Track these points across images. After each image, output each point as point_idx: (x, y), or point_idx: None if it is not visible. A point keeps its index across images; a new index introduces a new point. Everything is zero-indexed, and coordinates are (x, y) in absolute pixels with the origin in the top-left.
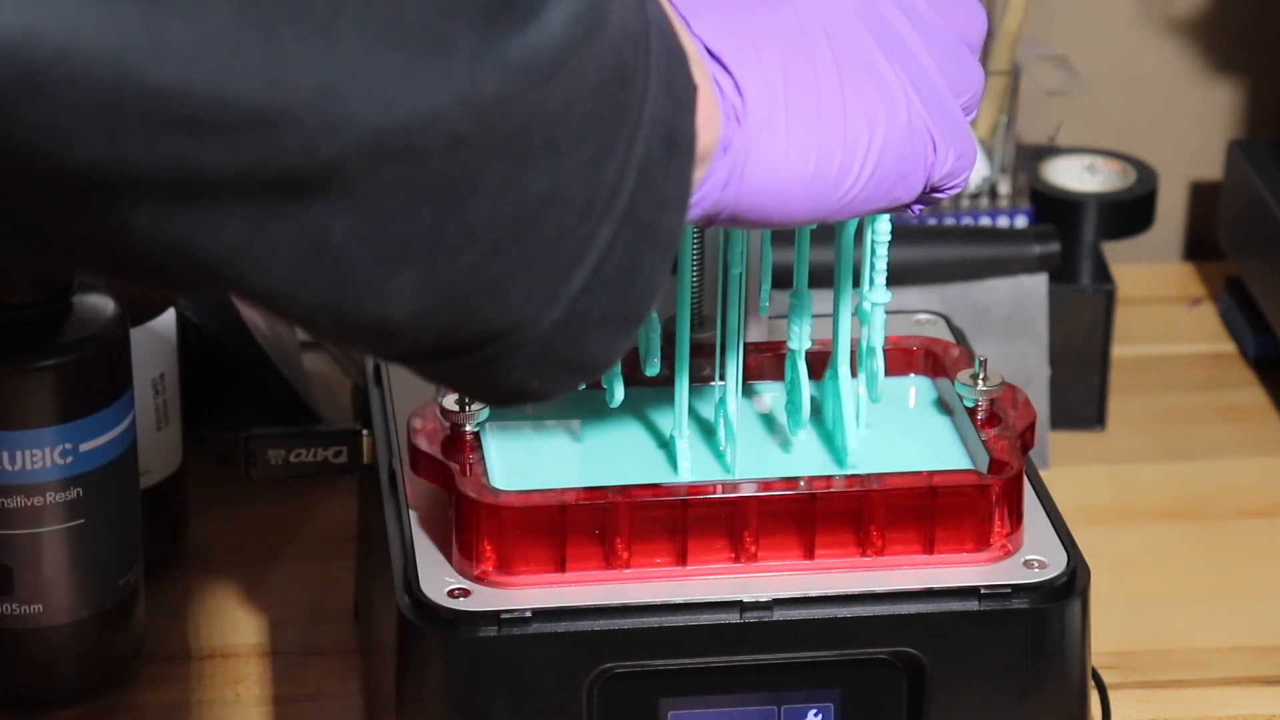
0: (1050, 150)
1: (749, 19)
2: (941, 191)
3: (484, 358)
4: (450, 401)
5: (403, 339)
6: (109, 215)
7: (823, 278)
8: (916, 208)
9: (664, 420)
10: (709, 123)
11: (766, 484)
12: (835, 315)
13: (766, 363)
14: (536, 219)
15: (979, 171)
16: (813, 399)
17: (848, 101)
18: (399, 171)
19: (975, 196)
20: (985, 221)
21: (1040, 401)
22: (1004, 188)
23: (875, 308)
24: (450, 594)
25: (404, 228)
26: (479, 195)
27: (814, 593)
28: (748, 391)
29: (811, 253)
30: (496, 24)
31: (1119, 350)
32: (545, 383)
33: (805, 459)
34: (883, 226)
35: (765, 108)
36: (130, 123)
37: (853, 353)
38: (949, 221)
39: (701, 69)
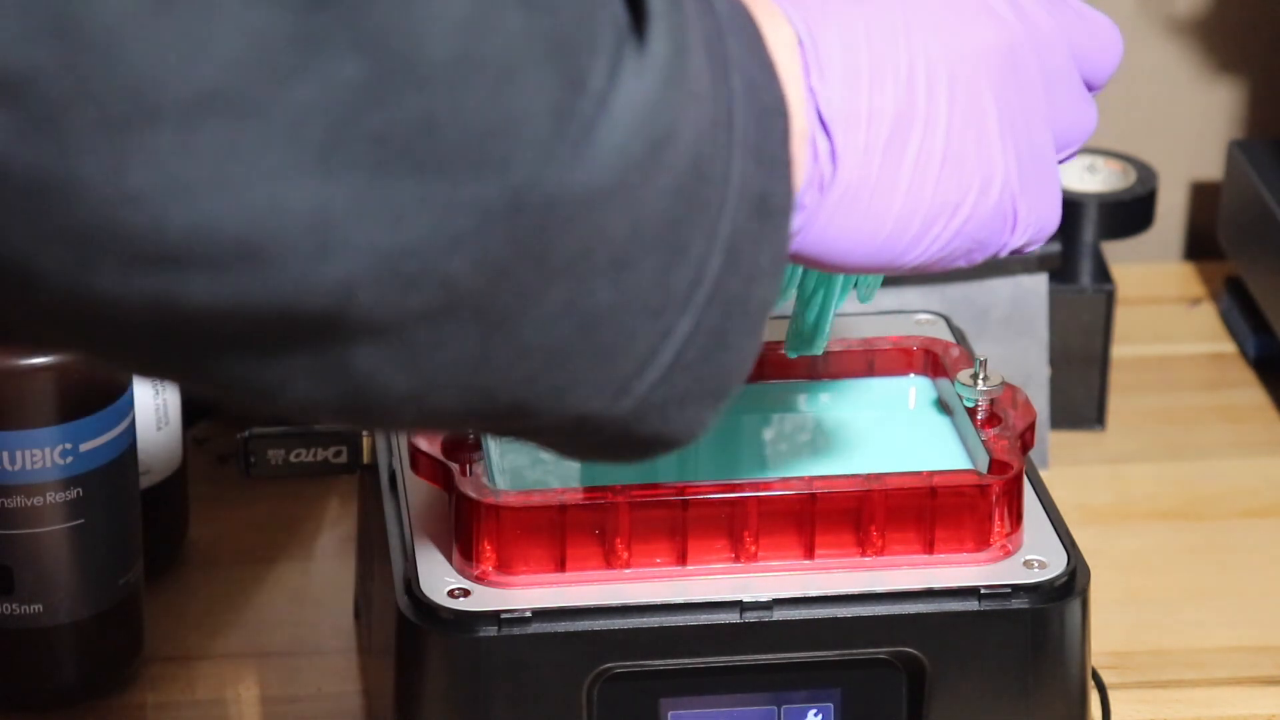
0: None
1: (875, 63)
2: (1014, 254)
3: (553, 441)
4: None
5: (447, 429)
6: (94, 344)
7: None
8: None
9: None
10: (794, 167)
11: (766, 484)
12: None
13: (767, 363)
14: (600, 330)
15: None
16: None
17: (943, 175)
18: (423, 300)
19: None
20: None
21: (1040, 401)
22: None
23: None
24: (450, 594)
25: (441, 354)
26: (532, 318)
27: (814, 593)
28: (750, 391)
29: None
30: (545, 153)
31: (1119, 350)
32: (629, 456)
33: (805, 459)
34: None
35: (856, 179)
36: (99, 262)
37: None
38: None
39: (800, 105)
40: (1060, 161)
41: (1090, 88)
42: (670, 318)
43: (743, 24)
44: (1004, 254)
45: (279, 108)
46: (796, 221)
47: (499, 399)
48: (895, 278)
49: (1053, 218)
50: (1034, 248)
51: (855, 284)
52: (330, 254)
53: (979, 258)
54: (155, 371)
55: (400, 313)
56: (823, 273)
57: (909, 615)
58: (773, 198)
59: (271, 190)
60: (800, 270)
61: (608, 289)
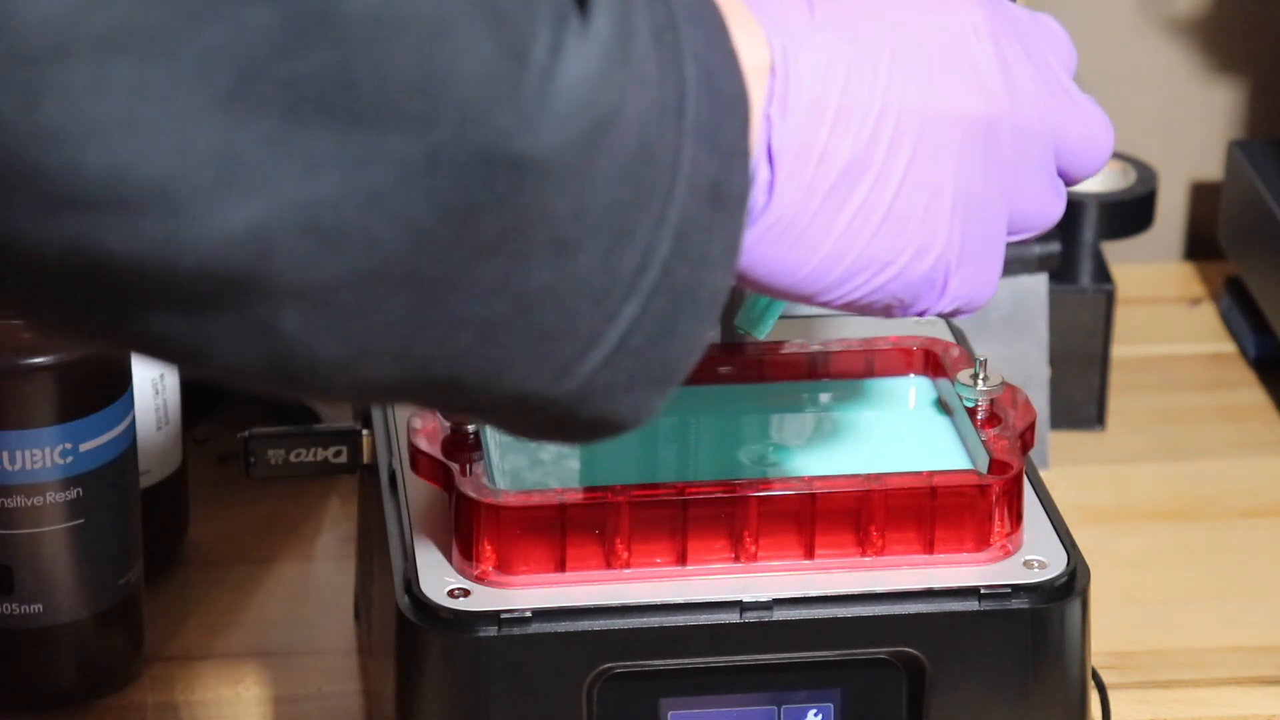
0: None
1: (845, 104)
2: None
3: (496, 418)
4: None
5: (384, 401)
6: (15, 297)
7: None
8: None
9: (665, 420)
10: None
11: (766, 484)
12: None
13: (767, 363)
14: (539, 309)
15: None
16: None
17: (881, 231)
18: (346, 260)
19: None
20: None
21: (1040, 401)
22: None
23: None
24: (450, 594)
25: (370, 320)
26: (463, 291)
27: (814, 593)
28: (750, 392)
29: None
30: (474, 116)
31: (1119, 350)
32: (572, 438)
33: (805, 459)
34: None
35: (789, 214)
36: (12, 204)
37: None
38: None
39: (755, 130)
40: (1016, 242)
41: (1067, 181)
42: (615, 302)
43: (703, 13)
44: (926, 316)
45: (188, 48)
46: None
47: (433, 372)
48: None
49: (986, 293)
50: (961, 316)
51: None
52: (238, 198)
53: (898, 314)
54: (83, 330)
55: (324, 273)
56: None
57: (909, 615)
58: (727, 186)
59: (180, 132)
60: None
61: (547, 269)
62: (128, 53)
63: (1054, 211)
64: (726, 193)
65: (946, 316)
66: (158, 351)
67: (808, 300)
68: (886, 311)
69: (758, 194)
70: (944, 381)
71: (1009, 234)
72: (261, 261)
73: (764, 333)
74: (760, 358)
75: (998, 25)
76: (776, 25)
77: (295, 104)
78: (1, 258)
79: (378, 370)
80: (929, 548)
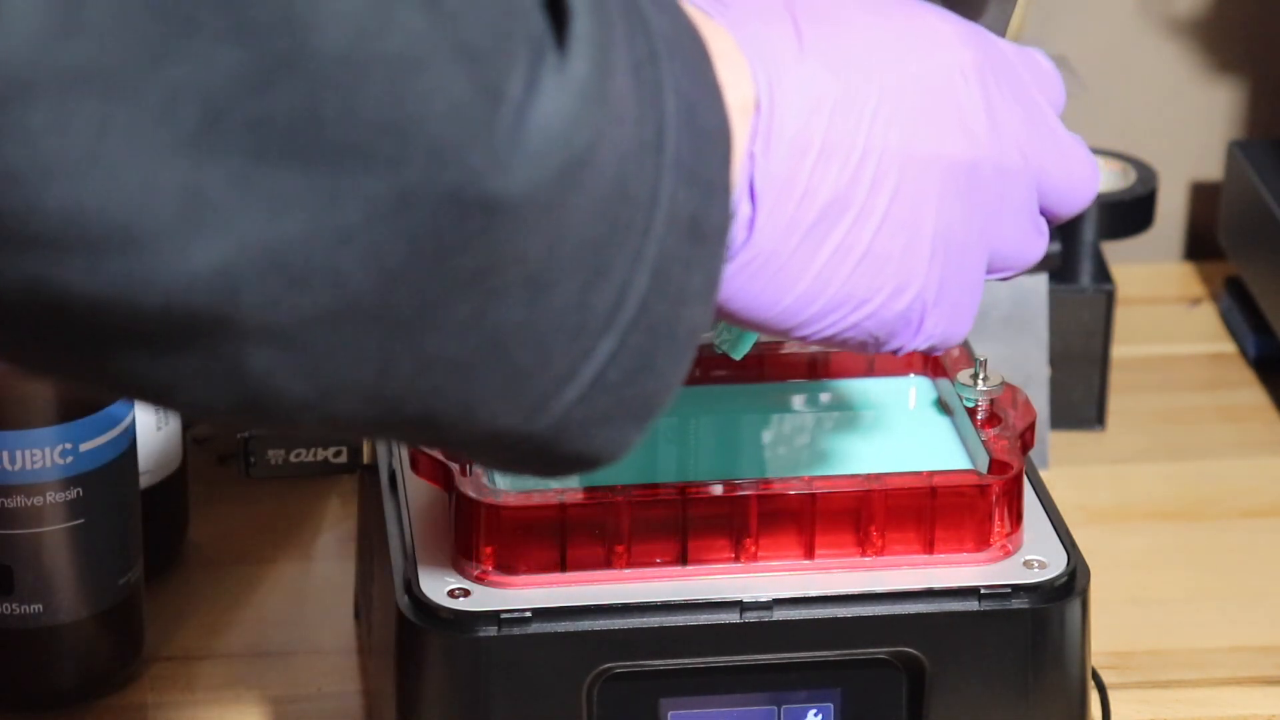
0: None
1: (829, 141)
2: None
3: (472, 454)
4: None
5: (363, 437)
6: None
7: None
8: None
9: (665, 420)
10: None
11: (766, 484)
12: None
13: (767, 363)
14: (512, 347)
15: None
16: None
17: (859, 270)
18: (314, 299)
19: None
20: None
21: (1040, 401)
22: None
23: None
24: (450, 594)
25: (339, 359)
26: (435, 329)
27: (814, 593)
28: (750, 392)
29: None
30: (445, 157)
31: (1119, 350)
32: (548, 472)
33: (805, 459)
34: None
35: (768, 251)
36: None
37: None
38: None
39: (737, 166)
40: (997, 279)
41: (1050, 220)
42: (590, 339)
43: (686, 46)
44: (900, 353)
45: (152, 87)
46: None
47: (406, 410)
48: None
49: (961, 330)
50: (936, 353)
51: None
52: (203, 239)
53: (872, 351)
54: (48, 369)
55: (292, 313)
56: None
57: (909, 615)
58: (706, 221)
59: (144, 171)
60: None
61: (520, 307)
62: (90, 92)
63: (1035, 251)
64: (706, 227)
65: (921, 353)
66: (128, 391)
67: (783, 335)
68: (861, 348)
69: (738, 229)
70: (944, 381)
71: (989, 272)
72: (228, 301)
73: (741, 354)
74: (760, 358)
75: (985, 66)
76: (761, 55)
77: (263, 143)
78: None
79: (349, 408)
80: (929, 548)
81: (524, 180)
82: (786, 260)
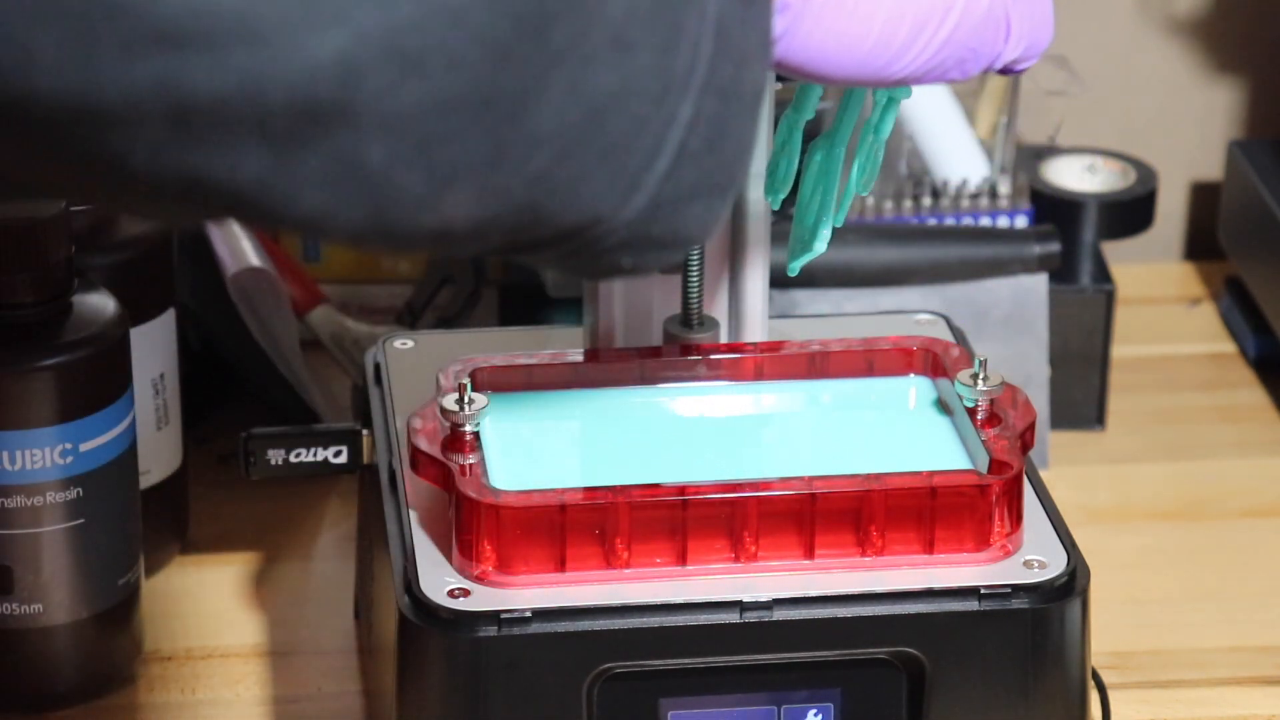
0: (1050, 150)
1: None
2: (1006, 72)
3: (566, 250)
4: (450, 401)
5: (466, 245)
6: (101, 154)
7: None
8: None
9: (665, 420)
10: None
11: (766, 484)
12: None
13: (767, 363)
14: (607, 117)
15: (979, 171)
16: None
17: None
18: (430, 85)
19: (975, 196)
20: (985, 221)
21: (1040, 401)
22: (1004, 188)
23: (892, 103)
24: (450, 594)
25: (453, 147)
26: (539, 106)
27: (814, 593)
28: (751, 392)
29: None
30: None
31: (1119, 350)
32: (640, 261)
33: (805, 459)
34: None
35: None
36: (100, 42)
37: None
38: (949, 221)
39: None
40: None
41: None
42: (672, 103)
43: None
44: (997, 66)
45: None
46: (780, 24)
47: (515, 199)
48: (895, 278)
49: (1045, 34)
50: (1026, 65)
51: (853, 172)
52: (323, 29)
53: (972, 69)
54: (169, 187)
55: (410, 99)
56: (819, 170)
57: (909, 615)
58: None
59: None
60: (796, 161)
61: (610, 73)
62: None
63: None
64: None
65: (1012, 69)
66: (245, 202)
67: (879, 79)
68: (961, 69)
69: None
70: (944, 381)
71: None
72: (348, 90)
73: (823, 246)
74: (760, 358)
75: None
76: None
77: None
78: (93, 107)
79: (462, 205)
80: (929, 548)
81: None
82: None
